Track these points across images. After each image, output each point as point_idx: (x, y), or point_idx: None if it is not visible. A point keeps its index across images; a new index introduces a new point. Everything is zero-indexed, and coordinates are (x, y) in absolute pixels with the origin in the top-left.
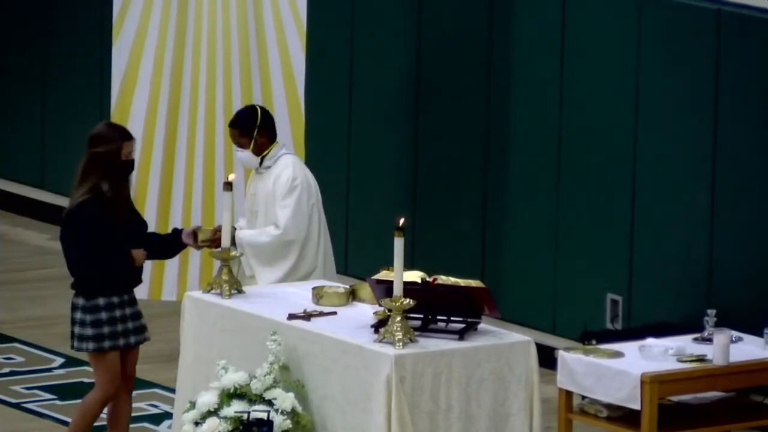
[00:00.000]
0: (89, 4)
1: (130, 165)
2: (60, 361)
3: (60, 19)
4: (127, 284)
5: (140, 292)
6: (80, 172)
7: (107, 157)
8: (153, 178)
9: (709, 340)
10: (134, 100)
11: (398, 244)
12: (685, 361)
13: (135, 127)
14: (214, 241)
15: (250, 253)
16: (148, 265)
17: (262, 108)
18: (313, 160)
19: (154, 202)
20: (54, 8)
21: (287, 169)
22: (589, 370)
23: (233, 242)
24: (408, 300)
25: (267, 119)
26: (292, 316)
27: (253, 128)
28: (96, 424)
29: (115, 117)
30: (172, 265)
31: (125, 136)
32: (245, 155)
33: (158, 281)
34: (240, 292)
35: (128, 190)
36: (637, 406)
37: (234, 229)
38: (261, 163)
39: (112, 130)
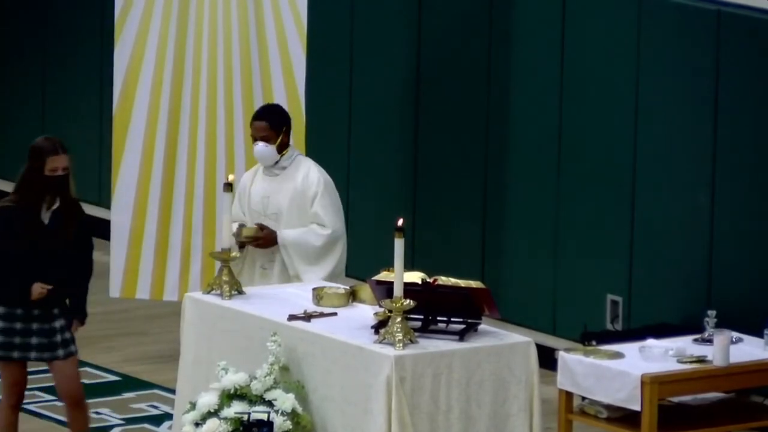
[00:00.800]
0: (89, 4)
1: (54, 180)
2: None
3: (60, 19)
4: (43, 300)
5: (142, 292)
6: (17, 181)
7: (32, 171)
8: (155, 178)
9: (709, 340)
10: (136, 102)
11: (398, 244)
12: (686, 362)
13: (137, 128)
14: (257, 238)
15: (295, 252)
16: (150, 266)
17: (286, 111)
18: (313, 160)
19: (156, 201)
20: (54, 8)
21: (313, 170)
22: (590, 371)
23: (270, 243)
24: (408, 301)
25: (290, 122)
26: (292, 317)
27: (283, 125)
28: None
29: (117, 118)
30: (173, 265)
31: (54, 151)
32: (267, 149)
33: (160, 281)
34: (240, 292)
35: (57, 206)
36: (637, 407)
37: (255, 227)
38: (276, 162)
39: (44, 143)
